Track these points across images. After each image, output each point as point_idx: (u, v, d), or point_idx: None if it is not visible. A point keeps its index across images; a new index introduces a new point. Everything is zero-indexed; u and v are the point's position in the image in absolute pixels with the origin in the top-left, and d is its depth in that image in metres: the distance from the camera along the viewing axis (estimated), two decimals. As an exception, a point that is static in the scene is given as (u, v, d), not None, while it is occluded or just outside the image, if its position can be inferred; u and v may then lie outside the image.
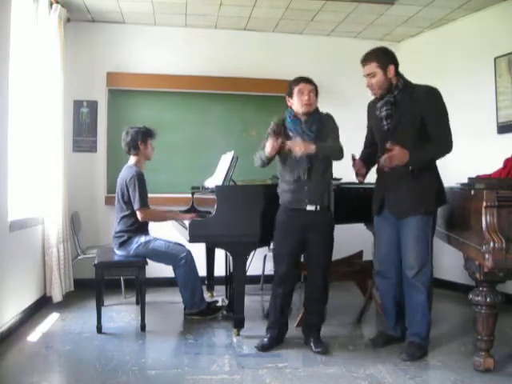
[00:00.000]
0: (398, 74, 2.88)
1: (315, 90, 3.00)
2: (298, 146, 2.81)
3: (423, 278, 2.84)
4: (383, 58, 2.85)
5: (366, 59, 2.89)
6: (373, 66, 2.85)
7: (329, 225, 3.04)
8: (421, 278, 2.84)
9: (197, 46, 5.06)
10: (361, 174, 3.05)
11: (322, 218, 2.99)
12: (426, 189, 2.83)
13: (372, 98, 3.06)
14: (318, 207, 2.95)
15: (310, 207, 2.95)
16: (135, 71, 4.91)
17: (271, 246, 3.65)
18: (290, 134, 2.97)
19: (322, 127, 2.98)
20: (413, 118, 2.79)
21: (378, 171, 3.04)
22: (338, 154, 2.96)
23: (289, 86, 3.01)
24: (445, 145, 2.80)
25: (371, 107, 3.06)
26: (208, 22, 4.91)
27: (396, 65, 2.87)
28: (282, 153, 2.97)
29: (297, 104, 2.96)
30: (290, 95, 3.00)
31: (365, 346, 3.10)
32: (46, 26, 4.03)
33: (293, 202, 2.98)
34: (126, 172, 3.69)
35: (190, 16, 4.77)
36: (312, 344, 3.01)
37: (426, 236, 2.86)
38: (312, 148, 2.82)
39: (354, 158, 3.02)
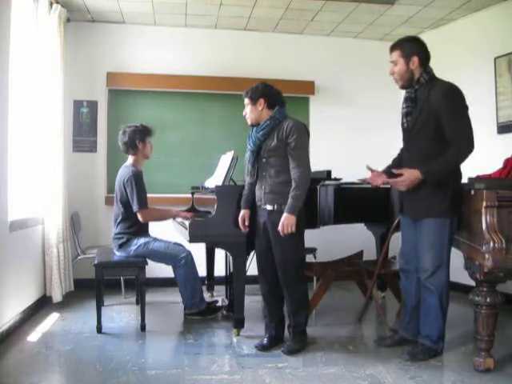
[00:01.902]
0: (425, 67, 2.79)
1: (252, 101, 2.99)
2: (284, 229, 2.84)
3: (436, 281, 2.78)
4: (407, 47, 2.79)
5: (393, 46, 2.86)
6: (396, 54, 2.82)
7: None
8: (433, 281, 2.78)
9: (197, 46, 5.06)
10: (374, 185, 2.97)
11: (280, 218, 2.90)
12: (443, 191, 2.73)
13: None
14: (276, 207, 2.92)
15: (269, 207, 2.96)
16: (135, 71, 4.91)
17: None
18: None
19: (269, 137, 2.96)
20: (428, 117, 2.71)
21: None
22: (306, 183, 2.88)
23: None
24: (461, 147, 2.68)
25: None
26: (208, 22, 4.91)
27: (422, 57, 2.78)
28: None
29: None
30: None
31: (365, 345, 3.10)
32: (46, 26, 4.03)
33: (258, 201, 3.06)
34: (122, 172, 3.67)
35: (189, 16, 4.77)
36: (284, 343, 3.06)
37: (442, 240, 2.76)
38: (293, 220, 2.82)
39: (370, 169, 2.95)
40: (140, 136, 3.68)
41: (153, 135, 3.80)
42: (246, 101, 3.03)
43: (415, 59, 2.77)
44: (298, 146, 2.88)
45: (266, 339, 3.07)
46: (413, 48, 2.79)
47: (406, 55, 2.78)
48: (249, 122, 3.05)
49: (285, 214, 2.84)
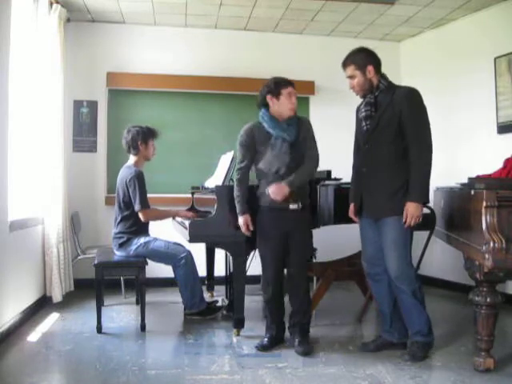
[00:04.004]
0: (380, 74, 2.88)
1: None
2: (275, 194, 2.84)
3: (406, 280, 2.80)
4: (360, 59, 2.87)
5: (345, 63, 2.93)
6: (351, 69, 2.89)
7: (309, 223, 3.09)
8: (404, 280, 2.80)
9: (197, 46, 5.06)
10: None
11: (304, 216, 3.01)
12: (402, 189, 2.78)
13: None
14: (300, 205, 2.96)
15: (292, 206, 2.95)
16: (135, 71, 4.91)
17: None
18: (271, 133, 2.97)
19: (299, 132, 3.00)
20: (391, 119, 2.78)
21: (355, 169, 3.07)
22: (314, 170, 3.02)
23: (274, 86, 2.98)
24: (425, 153, 2.75)
25: (357, 110, 3.06)
26: (208, 21, 4.91)
27: (375, 65, 2.87)
28: (258, 151, 3.00)
29: (283, 106, 2.97)
30: (277, 96, 2.98)
31: (357, 348, 3.06)
32: (46, 26, 4.03)
33: (276, 202, 2.94)
34: (125, 172, 3.68)
35: (189, 16, 4.77)
36: (296, 343, 3.02)
37: (405, 238, 2.81)
38: (287, 189, 2.86)
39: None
40: (143, 137, 3.70)
41: (157, 138, 3.81)
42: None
43: (370, 68, 2.85)
44: (315, 144, 3.04)
45: (266, 339, 3.06)
46: (364, 58, 2.87)
47: (360, 67, 2.86)
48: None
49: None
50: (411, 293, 2.81)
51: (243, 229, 3.02)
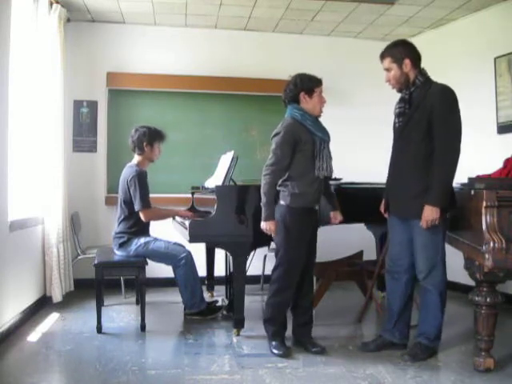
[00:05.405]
0: (419, 68, 2.82)
1: None
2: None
3: (433, 280, 2.79)
4: (397, 52, 2.82)
5: (382, 55, 2.88)
6: (388, 62, 2.84)
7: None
8: (430, 280, 2.79)
9: (197, 46, 5.06)
10: None
11: (317, 217, 3.05)
12: (427, 190, 2.72)
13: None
14: (318, 206, 3.01)
15: (316, 206, 2.98)
16: (135, 71, 4.91)
17: (271, 246, 3.65)
18: (315, 134, 2.87)
19: None
20: (422, 116, 2.72)
21: (389, 170, 3.02)
22: None
23: (308, 83, 2.94)
24: (450, 156, 2.70)
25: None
26: (208, 21, 4.91)
27: (413, 58, 2.80)
28: (299, 151, 2.86)
29: (315, 105, 2.94)
30: (310, 94, 2.93)
31: (357, 348, 3.06)
32: (46, 26, 4.03)
33: (312, 202, 2.93)
34: (126, 172, 3.68)
35: (189, 16, 4.77)
36: (309, 345, 3.00)
37: (435, 240, 2.76)
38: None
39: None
40: (149, 139, 3.69)
41: (163, 141, 3.81)
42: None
43: (407, 62, 2.79)
44: None
45: (283, 345, 2.98)
46: (402, 51, 2.82)
47: (397, 60, 2.81)
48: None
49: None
50: (438, 294, 2.79)
51: (273, 234, 2.90)
